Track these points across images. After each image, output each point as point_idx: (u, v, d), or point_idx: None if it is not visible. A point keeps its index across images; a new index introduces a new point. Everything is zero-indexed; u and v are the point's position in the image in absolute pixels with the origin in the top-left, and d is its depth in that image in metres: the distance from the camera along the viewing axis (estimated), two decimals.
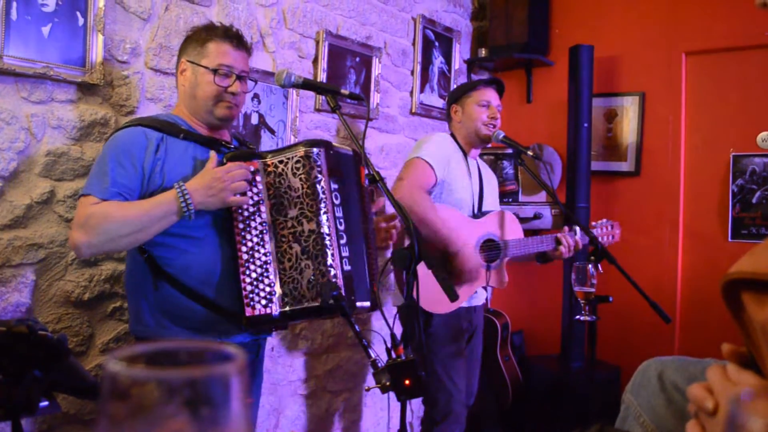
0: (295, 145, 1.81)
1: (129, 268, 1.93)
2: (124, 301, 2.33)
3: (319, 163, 1.76)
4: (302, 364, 3.12)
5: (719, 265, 3.45)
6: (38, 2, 2.04)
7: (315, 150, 1.77)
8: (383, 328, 1.86)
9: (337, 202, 1.79)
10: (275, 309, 1.75)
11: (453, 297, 1.65)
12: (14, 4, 1.98)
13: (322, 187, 1.76)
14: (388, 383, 1.51)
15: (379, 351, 1.63)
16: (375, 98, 3.37)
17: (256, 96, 2.75)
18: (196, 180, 1.75)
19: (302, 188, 1.76)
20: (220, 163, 1.79)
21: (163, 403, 0.41)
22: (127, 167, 1.76)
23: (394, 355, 1.55)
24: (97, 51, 2.18)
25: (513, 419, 3.71)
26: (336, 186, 1.80)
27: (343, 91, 1.87)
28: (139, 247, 1.80)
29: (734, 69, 3.55)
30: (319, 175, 1.76)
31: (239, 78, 1.91)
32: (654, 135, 3.78)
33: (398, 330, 1.82)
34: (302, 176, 1.76)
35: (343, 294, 1.69)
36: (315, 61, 3.06)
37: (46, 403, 1.57)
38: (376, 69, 3.35)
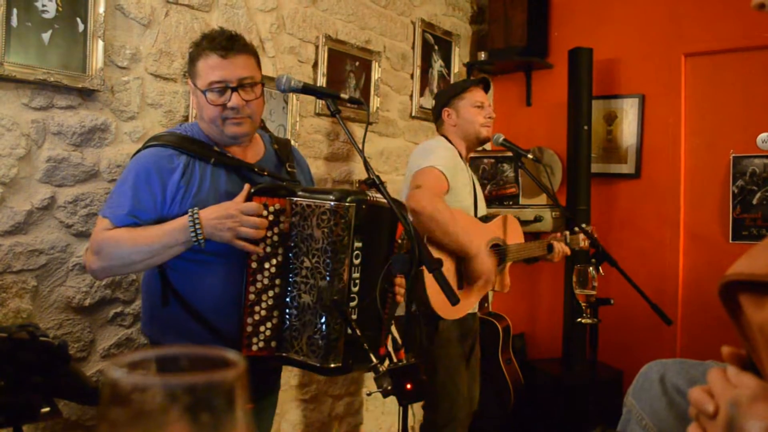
0: (330, 191, 1.71)
1: (145, 273, 1.92)
2: (125, 307, 2.34)
3: (346, 219, 1.67)
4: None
5: (720, 266, 3.42)
6: (38, 9, 2.05)
7: (346, 204, 1.67)
8: None
9: (356, 262, 1.70)
10: (271, 352, 1.72)
11: (454, 300, 1.65)
12: (15, 11, 1.98)
13: (344, 246, 1.67)
14: (389, 387, 1.50)
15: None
16: (375, 102, 3.37)
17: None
18: (211, 209, 1.68)
19: (322, 242, 1.67)
20: (248, 197, 1.70)
21: (163, 410, 0.41)
22: (147, 192, 1.71)
23: (395, 359, 1.55)
24: (97, 57, 2.19)
25: (515, 422, 3.70)
26: (360, 244, 1.70)
27: (342, 95, 1.82)
28: None
29: (734, 70, 3.55)
30: (342, 233, 1.66)
31: (237, 89, 1.76)
32: (654, 137, 3.78)
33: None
34: (325, 230, 1.67)
35: (341, 357, 1.66)
36: (314, 66, 3.06)
37: (47, 409, 1.57)
38: (376, 73, 3.35)
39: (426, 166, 2.53)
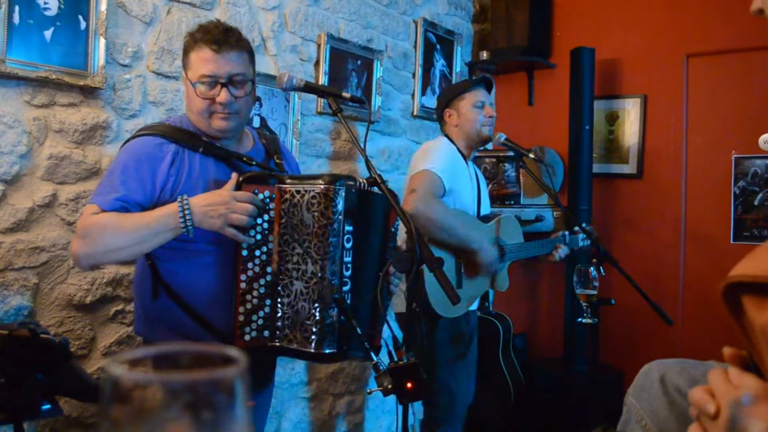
0: (319, 176, 1.71)
1: (137, 270, 1.91)
2: (126, 304, 2.34)
3: (336, 202, 1.66)
4: (304, 367, 3.12)
5: (721, 267, 3.42)
6: (40, 6, 2.05)
7: (335, 188, 1.67)
8: (385, 331, 1.85)
9: (347, 246, 1.69)
10: (263, 342, 1.71)
11: (455, 299, 1.65)
12: (17, 8, 1.99)
13: (334, 230, 1.66)
14: (390, 386, 1.50)
15: (381, 354, 1.63)
16: (376, 101, 3.37)
17: (257, 99, 2.75)
18: (202, 196, 1.67)
19: (313, 226, 1.66)
20: (237, 185, 1.70)
21: (164, 407, 0.41)
22: (137, 180, 1.69)
23: (396, 358, 1.55)
24: (99, 54, 2.19)
25: (515, 422, 3.70)
26: (351, 228, 1.70)
27: (344, 94, 1.81)
28: (146, 253, 1.75)
29: (736, 71, 3.55)
30: (333, 216, 1.66)
31: (227, 84, 1.74)
32: (656, 137, 3.78)
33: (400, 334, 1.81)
34: (315, 213, 1.66)
35: (336, 343, 1.66)
36: (316, 64, 3.06)
37: (48, 406, 1.57)
38: (378, 72, 3.35)
39: (421, 169, 2.56)
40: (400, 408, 1.61)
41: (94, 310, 2.26)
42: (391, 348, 1.59)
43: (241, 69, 1.78)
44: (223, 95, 1.74)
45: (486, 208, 2.87)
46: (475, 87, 2.80)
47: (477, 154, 2.94)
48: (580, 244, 2.95)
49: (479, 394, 2.92)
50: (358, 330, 1.57)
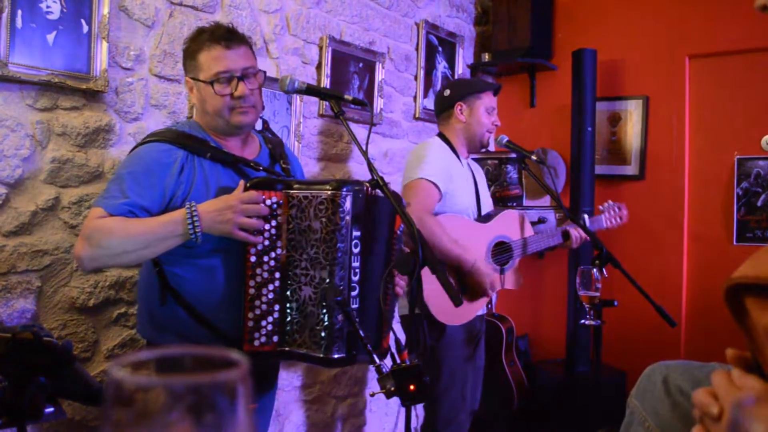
0: (326, 181, 1.72)
1: (142, 274, 1.91)
2: (129, 307, 2.34)
3: (344, 208, 1.67)
4: (306, 369, 3.12)
5: (724, 268, 3.43)
6: (43, 10, 2.05)
7: (343, 193, 1.68)
8: None
9: (356, 251, 1.70)
10: (273, 347, 1.72)
11: (457, 302, 1.65)
12: (19, 12, 1.99)
13: (342, 235, 1.67)
14: (392, 388, 1.50)
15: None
16: (378, 103, 3.38)
17: None
18: (210, 203, 1.68)
19: (321, 232, 1.68)
20: (245, 191, 1.71)
21: (167, 410, 0.41)
22: (145, 186, 1.70)
23: (398, 361, 1.55)
24: (101, 58, 2.19)
25: (518, 424, 3.69)
26: (359, 233, 1.71)
27: (346, 96, 1.83)
28: (153, 259, 1.76)
29: (738, 72, 3.55)
30: (341, 222, 1.67)
31: (242, 78, 1.80)
32: (658, 138, 3.78)
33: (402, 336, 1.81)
34: (323, 219, 1.67)
35: (344, 348, 1.67)
36: (318, 67, 3.07)
37: (51, 409, 1.57)
38: (380, 74, 3.35)
39: (415, 178, 2.53)
40: (404, 410, 1.61)
41: (97, 313, 2.26)
42: (394, 350, 1.59)
43: (251, 62, 1.85)
44: (241, 88, 1.79)
45: (487, 204, 2.85)
46: (491, 91, 2.79)
47: (478, 155, 2.94)
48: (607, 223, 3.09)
49: (482, 396, 2.92)
50: (361, 333, 1.57)
